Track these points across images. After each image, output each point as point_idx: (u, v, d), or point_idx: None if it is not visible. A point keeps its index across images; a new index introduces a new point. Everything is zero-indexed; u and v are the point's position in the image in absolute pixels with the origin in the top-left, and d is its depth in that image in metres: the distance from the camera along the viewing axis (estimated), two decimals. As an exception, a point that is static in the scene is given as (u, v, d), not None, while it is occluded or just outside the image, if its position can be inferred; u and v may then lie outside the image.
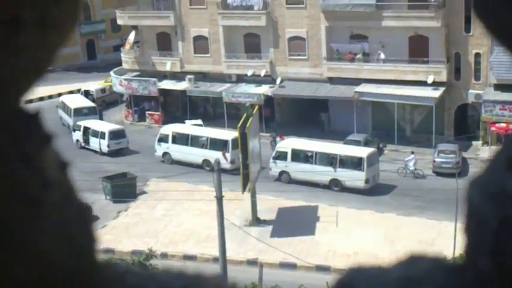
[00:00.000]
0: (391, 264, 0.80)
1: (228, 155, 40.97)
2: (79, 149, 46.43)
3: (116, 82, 53.14)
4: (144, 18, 52.45)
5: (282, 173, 39.72)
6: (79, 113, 49.56)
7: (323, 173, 38.22)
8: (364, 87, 44.63)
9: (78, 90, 56.93)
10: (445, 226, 31.46)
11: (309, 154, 39.30)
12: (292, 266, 30.42)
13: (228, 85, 49.22)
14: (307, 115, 46.46)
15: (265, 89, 47.58)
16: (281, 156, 39.76)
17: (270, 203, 36.16)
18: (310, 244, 32.36)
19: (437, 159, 39.40)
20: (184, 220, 35.42)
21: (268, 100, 47.32)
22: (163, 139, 43.78)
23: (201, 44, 50.88)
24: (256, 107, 39.70)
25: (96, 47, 71.83)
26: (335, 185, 38.40)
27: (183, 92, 50.43)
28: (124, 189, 38.15)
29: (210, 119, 48.90)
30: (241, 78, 49.33)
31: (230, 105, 48.16)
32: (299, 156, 39.40)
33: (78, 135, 47.13)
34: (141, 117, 52.06)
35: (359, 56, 45.53)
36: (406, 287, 0.77)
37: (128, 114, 52.90)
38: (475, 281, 0.77)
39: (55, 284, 0.80)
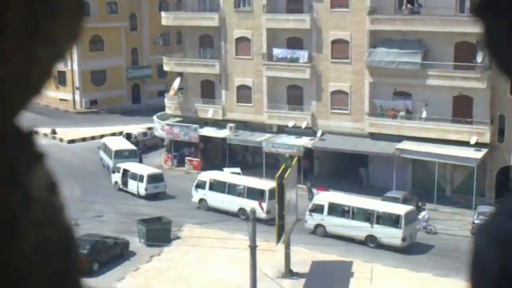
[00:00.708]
0: None
1: (264, 204, 40.60)
2: (117, 191, 46.55)
3: (158, 127, 53.42)
4: (190, 65, 52.89)
5: (317, 226, 39.18)
6: (119, 155, 49.77)
7: (359, 229, 37.57)
8: (405, 145, 44.09)
9: (121, 133, 57.33)
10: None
11: (346, 208, 38.75)
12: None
13: (269, 135, 49.09)
14: (346, 169, 45.99)
15: (305, 141, 47.32)
16: (317, 209, 39.29)
17: (304, 256, 35.54)
18: (343, 300, 31.57)
19: (476, 221, 38.46)
20: (216, 268, 34.94)
21: (308, 152, 47.00)
22: (200, 185, 43.62)
23: (244, 93, 51.02)
24: (295, 159, 39.34)
25: (141, 91, 72.61)
26: (371, 241, 37.68)
27: (223, 139, 50.43)
28: (158, 234, 37.92)
29: (249, 168, 48.68)
30: (282, 129, 49.18)
31: (269, 155, 47.95)
32: (336, 210, 38.87)
33: (117, 177, 47.24)
34: (180, 163, 52.11)
35: (402, 113, 45.11)
36: None
37: (168, 158, 53.01)
38: None
39: None
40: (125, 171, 46.69)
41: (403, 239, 36.84)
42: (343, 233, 38.03)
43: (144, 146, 55.33)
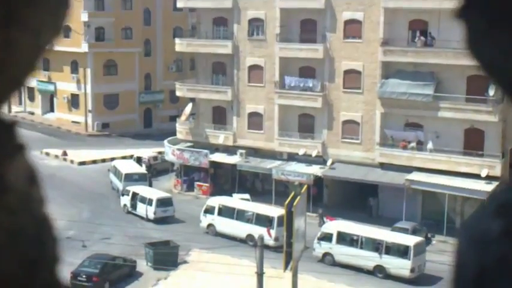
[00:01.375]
0: None
1: (272, 231, 40.27)
2: (126, 214, 46.29)
3: (169, 151, 53.29)
4: (202, 91, 52.90)
5: (325, 254, 38.80)
6: (129, 178, 49.56)
7: (368, 258, 37.19)
8: (415, 176, 43.75)
9: (131, 156, 57.20)
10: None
11: (355, 238, 38.40)
12: None
13: (279, 162, 48.86)
14: (355, 198, 45.65)
15: (315, 169, 47.04)
16: (326, 237, 38.97)
17: (311, 284, 35.10)
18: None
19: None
20: (223, 293, 34.53)
21: (317, 180, 46.70)
22: (209, 210, 43.34)
23: (255, 120, 50.92)
24: (305, 187, 39.04)
25: (153, 115, 72.68)
26: (379, 272, 37.24)
27: (234, 165, 50.21)
28: (166, 257, 37.68)
29: (258, 195, 48.39)
30: (292, 157, 48.96)
31: (279, 183, 47.69)
32: (344, 239, 38.54)
33: (126, 200, 47.01)
34: (190, 187, 51.88)
35: (413, 144, 44.84)
36: None
37: (177, 183, 52.80)
38: None
39: None
40: (134, 195, 46.47)
41: (412, 270, 36.43)
42: (351, 262, 37.65)
43: (154, 170, 55.15)
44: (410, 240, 37.47)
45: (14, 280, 0.75)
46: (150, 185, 50.29)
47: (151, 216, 45.06)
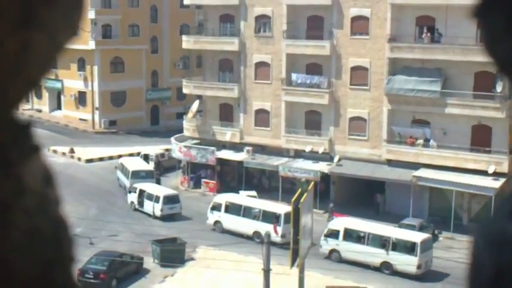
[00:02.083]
0: None
1: (279, 228, 40.34)
2: (133, 211, 46.43)
3: (176, 148, 53.40)
4: (209, 88, 52.97)
5: (332, 251, 38.85)
6: (136, 175, 49.69)
7: (374, 255, 37.23)
8: (422, 172, 43.74)
9: (138, 154, 57.36)
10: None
11: (362, 234, 38.44)
12: None
13: (285, 159, 48.91)
14: (362, 195, 45.65)
15: (322, 166, 47.08)
16: (333, 234, 39.00)
17: (318, 281, 35.15)
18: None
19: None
20: (229, 290, 34.63)
21: (324, 177, 46.74)
22: (216, 207, 43.43)
23: (262, 117, 50.97)
24: (312, 183, 39.04)
25: (160, 112, 72.83)
26: (386, 268, 37.28)
27: (240, 162, 50.29)
28: (172, 254, 37.77)
29: (265, 192, 48.46)
30: (298, 154, 49.00)
31: (286, 180, 47.73)
32: (351, 235, 38.57)
33: (133, 197, 47.14)
34: (197, 185, 51.99)
35: (420, 141, 44.83)
36: None
37: (184, 180, 52.92)
38: None
39: None
40: (141, 192, 46.59)
41: (419, 267, 36.45)
42: (358, 259, 37.69)
43: (162, 167, 55.31)
44: (417, 237, 37.49)
45: (31, 280, 0.77)
46: (159, 183, 50.43)
47: (158, 213, 45.18)
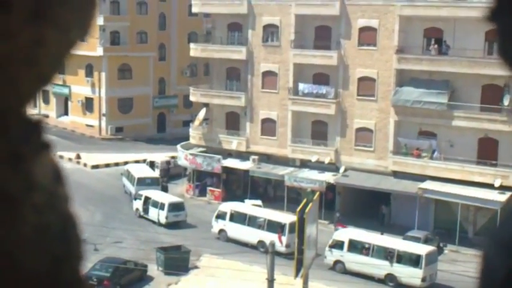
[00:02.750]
0: None
1: (283, 238, 40.29)
2: (138, 218, 46.44)
3: (182, 156, 53.45)
4: (216, 97, 53.05)
5: (337, 262, 38.76)
6: (142, 182, 49.74)
7: (379, 267, 37.13)
8: (428, 184, 43.65)
9: (144, 161, 57.42)
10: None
11: (366, 246, 38.33)
12: None
13: (291, 169, 48.89)
14: (368, 206, 45.55)
15: (327, 176, 47.03)
16: (337, 245, 38.92)
17: (321, 292, 35.05)
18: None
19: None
20: (233, 299, 34.57)
21: (330, 188, 46.69)
22: (221, 216, 43.42)
23: (268, 127, 50.99)
24: (317, 193, 39.05)
25: (167, 120, 72.93)
26: (390, 280, 37.18)
27: (246, 171, 50.27)
28: (177, 262, 37.77)
29: (270, 201, 48.44)
30: (304, 164, 48.98)
31: (291, 189, 47.71)
32: (356, 247, 38.49)
33: (138, 204, 47.17)
34: (202, 193, 52.00)
35: (426, 153, 44.76)
36: None
37: (189, 188, 52.95)
38: None
39: None
40: (147, 199, 46.63)
41: (423, 280, 36.34)
42: (362, 270, 37.59)
43: (168, 174, 55.37)
44: (422, 249, 37.38)
45: (39, 277, 0.77)
46: (166, 190, 50.45)
47: (163, 220, 45.18)
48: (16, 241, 0.76)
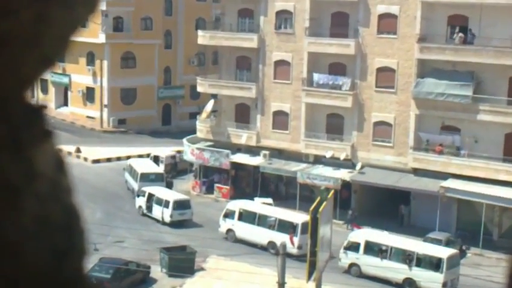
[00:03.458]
0: None
1: (295, 239, 40.32)
2: (141, 216, 46.61)
3: (188, 150, 53.53)
4: (225, 87, 53.08)
5: (352, 265, 38.79)
6: (145, 178, 49.86)
7: (397, 271, 37.18)
8: (451, 183, 43.55)
9: (148, 155, 57.56)
10: None
11: (384, 248, 38.36)
12: None
13: (304, 165, 48.90)
14: (386, 206, 45.51)
15: (343, 174, 47.02)
16: (353, 247, 38.94)
17: (335, 297, 35.09)
18: None
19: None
20: (241, 304, 34.67)
21: (345, 186, 46.67)
22: (229, 215, 43.50)
23: (280, 120, 50.99)
24: (332, 192, 39.02)
25: (173, 112, 73.05)
26: (409, 285, 37.22)
27: (256, 167, 50.33)
28: (181, 264, 37.87)
29: (281, 199, 48.49)
30: (318, 159, 48.98)
31: (304, 187, 47.71)
32: (372, 249, 38.49)
33: (141, 201, 47.31)
34: (209, 190, 52.09)
35: (448, 149, 44.66)
36: None
37: (196, 184, 53.04)
38: None
39: (27, 284, 0.79)
40: (150, 196, 46.74)
41: (444, 285, 36.35)
42: (379, 274, 37.64)
43: (175, 170, 55.53)
44: (444, 252, 37.36)
45: (40, 269, 0.77)
46: (171, 186, 50.58)
47: (167, 219, 45.30)
48: (16, 231, 0.76)
